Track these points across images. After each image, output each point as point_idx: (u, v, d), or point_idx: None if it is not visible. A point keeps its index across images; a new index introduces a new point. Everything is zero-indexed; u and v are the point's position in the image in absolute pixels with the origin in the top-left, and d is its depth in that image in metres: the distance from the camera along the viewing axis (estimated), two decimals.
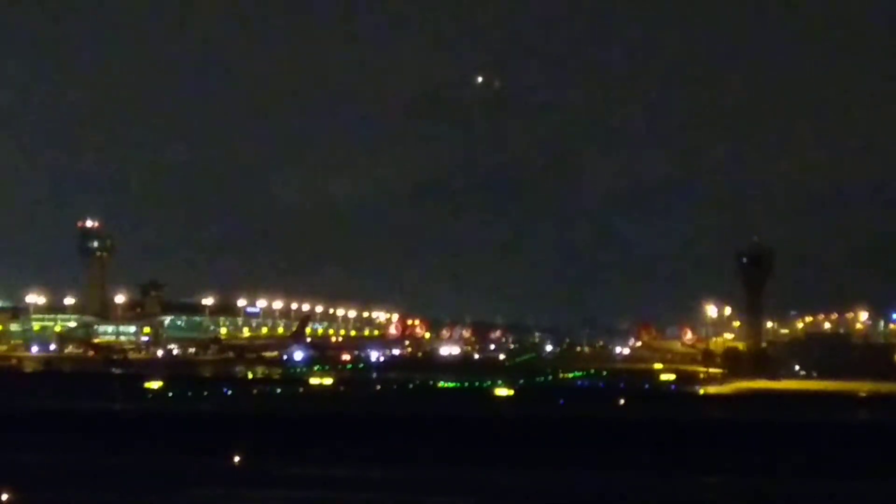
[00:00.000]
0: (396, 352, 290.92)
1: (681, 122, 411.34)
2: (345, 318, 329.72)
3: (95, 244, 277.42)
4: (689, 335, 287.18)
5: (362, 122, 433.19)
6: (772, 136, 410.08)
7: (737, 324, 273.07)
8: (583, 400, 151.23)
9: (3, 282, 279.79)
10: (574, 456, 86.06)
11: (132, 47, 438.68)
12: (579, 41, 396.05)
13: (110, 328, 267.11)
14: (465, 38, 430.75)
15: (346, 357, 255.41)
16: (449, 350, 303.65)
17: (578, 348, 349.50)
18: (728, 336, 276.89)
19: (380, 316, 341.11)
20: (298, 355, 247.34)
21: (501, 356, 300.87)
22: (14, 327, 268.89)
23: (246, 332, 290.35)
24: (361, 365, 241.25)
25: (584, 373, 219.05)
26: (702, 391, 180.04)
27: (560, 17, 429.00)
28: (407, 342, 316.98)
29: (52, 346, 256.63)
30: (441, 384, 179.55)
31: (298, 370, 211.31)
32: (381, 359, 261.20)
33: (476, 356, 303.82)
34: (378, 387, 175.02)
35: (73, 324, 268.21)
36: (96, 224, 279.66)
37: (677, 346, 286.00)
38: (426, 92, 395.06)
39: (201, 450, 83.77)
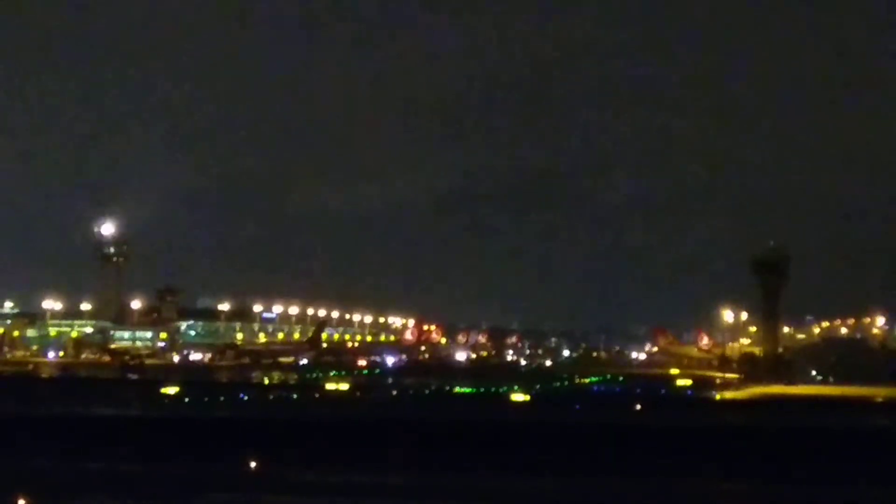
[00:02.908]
0: (413, 357, 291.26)
1: (698, 130, 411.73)
2: (361, 323, 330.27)
3: (112, 250, 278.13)
4: (705, 340, 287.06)
5: (381, 132, 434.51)
6: (788, 144, 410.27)
7: (753, 329, 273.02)
8: (599, 405, 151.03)
9: (20, 287, 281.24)
10: (590, 462, 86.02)
11: (159, 55, 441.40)
12: (596, 52, 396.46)
13: (126, 334, 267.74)
14: (478, 50, 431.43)
15: (362, 362, 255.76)
16: (466, 355, 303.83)
17: (595, 353, 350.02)
18: (744, 341, 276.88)
19: (396, 321, 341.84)
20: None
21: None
22: (31, 333, 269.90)
23: (262, 338, 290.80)
24: (377, 370, 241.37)
25: (601, 378, 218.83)
26: (718, 396, 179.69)
27: (578, 25, 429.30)
28: (423, 347, 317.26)
29: (69, 352, 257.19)
30: (457, 389, 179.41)
31: (315, 376, 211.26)
32: (397, 364, 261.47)
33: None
34: (394, 392, 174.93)
35: (89, 329, 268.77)
36: (113, 230, 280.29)
37: (694, 351, 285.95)
38: (446, 104, 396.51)
39: (217, 456, 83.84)
